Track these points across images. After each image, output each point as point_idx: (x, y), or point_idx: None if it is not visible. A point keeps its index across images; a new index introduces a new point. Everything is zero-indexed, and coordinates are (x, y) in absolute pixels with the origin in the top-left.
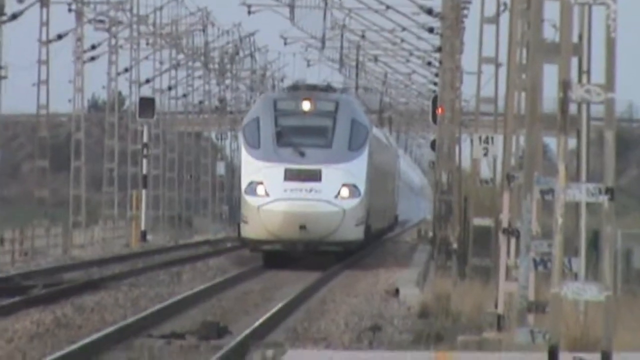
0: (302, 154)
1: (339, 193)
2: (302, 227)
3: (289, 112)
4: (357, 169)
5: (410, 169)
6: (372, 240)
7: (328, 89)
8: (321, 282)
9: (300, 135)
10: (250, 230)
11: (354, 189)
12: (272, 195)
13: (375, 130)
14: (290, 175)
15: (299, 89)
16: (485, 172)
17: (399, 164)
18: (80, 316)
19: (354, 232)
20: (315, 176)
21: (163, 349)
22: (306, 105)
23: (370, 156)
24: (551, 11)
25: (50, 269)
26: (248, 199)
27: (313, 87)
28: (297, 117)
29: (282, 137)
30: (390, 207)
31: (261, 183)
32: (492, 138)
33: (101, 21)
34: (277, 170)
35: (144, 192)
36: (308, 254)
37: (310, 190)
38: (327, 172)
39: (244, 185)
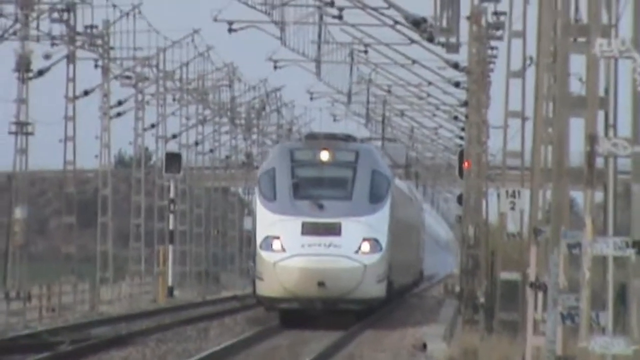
0: (320, 207)
1: (359, 248)
2: (321, 284)
3: (306, 162)
4: (378, 222)
5: (437, 223)
6: (395, 297)
7: (347, 138)
8: (349, 337)
9: (319, 187)
10: (266, 287)
11: (375, 243)
12: (288, 250)
13: (398, 182)
14: (308, 229)
15: (316, 139)
16: (512, 226)
17: (424, 216)
18: None
19: (376, 289)
20: (334, 230)
21: None
22: (324, 156)
23: (393, 208)
24: (577, 65)
25: (77, 324)
26: (263, 254)
27: (332, 137)
28: (315, 167)
29: (300, 189)
30: (415, 261)
31: (277, 237)
32: (519, 192)
33: (128, 77)
34: (294, 224)
35: (170, 247)
36: (327, 312)
37: (329, 245)
38: (346, 226)
39: (259, 239)
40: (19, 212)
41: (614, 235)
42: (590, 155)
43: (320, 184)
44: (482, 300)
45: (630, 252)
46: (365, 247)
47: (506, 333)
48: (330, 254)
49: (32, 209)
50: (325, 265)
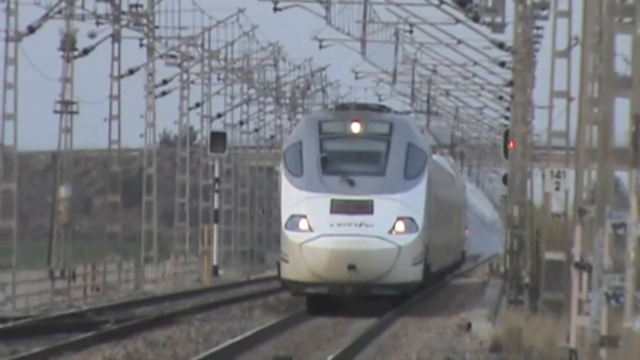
0: (351, 183)
1: (393, 227)
2: (351, 267)
3: (336, 135)
4: (414, 199)
5: (482, 203)
6: (433, 281)
7: (381, 108)
8: (394, 315)
9: (349, 162)
10: (292, 270)
11: (410, 222)
12: (316, 230)
13: (437, 157)
14: (337, 208)
15: (347, 109)
16: (556, 206)
17: (466, 194)
18: (152, 351)
19: (411, 273)
20: (366, 208)
21: None
22: (356, 127)
23: (430, 185)
24: (623, 45)
25: (122, 304)
26: (289, 234)
27: (364, 107)
28: (345, 140)
29: (328, 163)
30: (456, 242)
31: (304, 216)
32: (564, 172)
33: (172, 56)
34: (322, 202)
35: (215, 227)
36: (358, 298)
37: (361, 225)
38: (379, 204)
39: (284, 218)
40: (63, 191)
41: None
42: (636, 135)
43: (351, 159)
44: (526, 280)
45: None
46: (400, 226)
47: (551, 313)
48: (361, 234)
49: (77, 188)
50: (355, 246)
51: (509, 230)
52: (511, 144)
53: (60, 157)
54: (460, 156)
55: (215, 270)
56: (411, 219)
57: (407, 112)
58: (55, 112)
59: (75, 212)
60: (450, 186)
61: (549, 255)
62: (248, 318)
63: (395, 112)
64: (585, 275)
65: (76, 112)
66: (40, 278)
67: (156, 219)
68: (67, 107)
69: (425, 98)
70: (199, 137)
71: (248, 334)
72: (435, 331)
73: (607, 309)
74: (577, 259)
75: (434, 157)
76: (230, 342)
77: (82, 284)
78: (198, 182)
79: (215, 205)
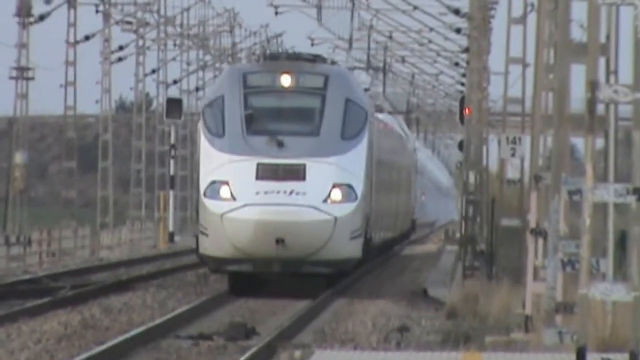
0: (280, 145)
1: (328, 196)
2: (280, 242)
3: (263, 89)
4: (352, 163)
5: (438, 170)
6: (375, 255)
7: (315, 59)
8: (350, 283)
9: (278, 120)
10: (211, 245)
11: (348, 190)
12: (240, 199)
13: (384, 116)
14: (264, 173)
15: (277, 59)
16: (512, 172)
17: (417, 157)
18: (107, 317)
19: (349, 248)
20: (297, 174)
21: (190, 350)
22: (286, 81)
23: (372, 147)
24: (579, 11)
25: (77, 270)
26: (208, 203)
27: (295, 57)
28: (273, 95)
29: (254, 122)
30: (404, 210)
31: (226, 183)
32: (520, 138)
33: (128, 22)
34: (246, 166)
35: (171, 193)
36: (287, 276)
37: (291, 193)
38: (313, 169)
39: (203, 185)
40: (19, 157)
41: (614, 182)
42: (591, 102)
43: (280, 116)
44: (482, 246)
45: (631, 199)
46: (336, 194)
47: (506, 280)
48: (291, 203)
49: (33, 154)
50: (285, 217)
51: (465, 197)
52: (467, 111)
53: (15, 123)
54: (416, 122)
55: (171, 236)
56: (349, 186)
57: (354, 69)
58: (11, 78)
59: (30, 178)
60: (398, 148)
61: (505, 222)
62: (204, 284)
63: (332, 63)
64: (540, 241)
65: (32, 78)
66: None
67: (112, 185)
68: (22, 73)
69: (381, 64)
70: (154, 103)
71: (203, 300)
72: (390, 298)
73: (562, 276)
74: (532, 225)
75: (380, 115)
76: (185, 308)
77: (38, 250)
78: (154, 148)
79: (171, 172)
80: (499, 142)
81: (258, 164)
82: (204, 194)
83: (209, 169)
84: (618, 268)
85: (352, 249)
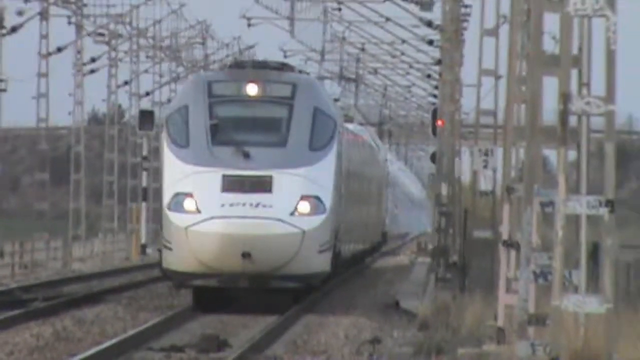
0: (246, 156)
1: (296, 208)
2: (246, 256)
3: (228, 98)
4: (321, 175)
5: (410, 181)
6: (344, 269)
7: (283, 67)
8: (321, 296)
9: (244, 130)
10: (175, 259)
11: (316, 202)
12: (204, 211)
13: (354, 126)
14: (229, 185)
15: (243, 67)
16: (484, 184)
17: (388, 168)
18: (80, 329)
19: (317, 262)
20: (263, 185)
21: None
22: (252, 89)
23: (341, 158)
24: (551, 23)
25: (50, 281)
26: (172, 216)
27: (262, 65)
28: (239, 105)
29: (219, 132)
30: (375, 222)
31: (190, 195)
32: (492, 150)
33: (101, 34)
34: (211, 178)
35: (144, 205)
36: (254, 291)
37: (257, 205)
38: (280, 180)
39: (166, 198)
40: None
41: (587, 194)
42: (564, 114)
43: (246, 126)
44: (455, 258)
45: (603, 211)
46: (304, 207)
47: (479, 291)
48: (258, 216)
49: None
50: (251, 230)
51: (438, 209)
52: (439, 122)
53: None
54: (388, 134)
55: (143, 248)
56: (317, 198)
57: (323, 78)
58: None
59: (3, 190)
60: (368, 159)
61: (477, 234)
62: (175, 296)
63: (300, 72)
64: (513, 253)
65: (4, 90)
66: None
67: (84, 197)
68: None
69: (353, 76)
70: (127, 115)
71: (176, 312)
72: (362, 309)
73: (535, 288)
74: (505, 237)
75: (350, 126)
76: (157, 320)
77: (10, 261)
78: (126, 160)
79: (144, 184)
80: (472, 154)
81: (223, 176)
82: (168, 207)
83: (173, 180)
84: (590, 280)
85: (321, 263)
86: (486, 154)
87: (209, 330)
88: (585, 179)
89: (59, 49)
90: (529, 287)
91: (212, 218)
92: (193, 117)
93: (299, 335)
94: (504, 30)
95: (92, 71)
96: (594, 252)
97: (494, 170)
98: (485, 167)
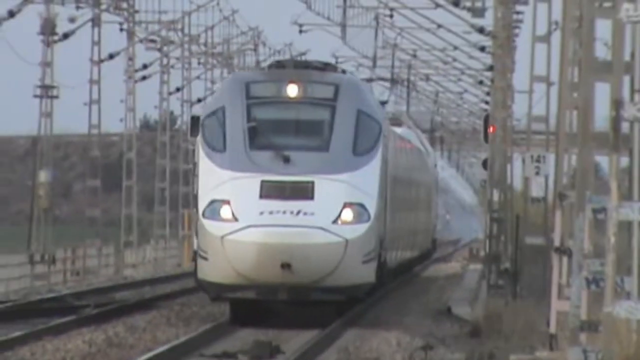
0: (286, 160)
1: (339, 216)
2: (286, 267)
3: (267, 99)
4: (365, 181)
5: (462, 188)
6: (391, 279)
7: (325, 67)
8: (373, 301)
9: (284, 133)
10: (211, 269)
11: (360, 210)
12: (242, 219)
13: (402, 130)
14: (268, 191)
15: (283, 67)
16: (536, 190)
17: (438, 174)
18: (132, 335)
19: (361, 273)
20: (304, 192)
21: None
22: (292, 90)
23: (386, 163)
24: (603, 30)
25: (102, 288)
26: (208, 225)
27: (304, 65)
28: (279, 107)
29: (258, 135)
30: (424, 229)
31: (227, 202)
32: (544, 157)
33: (153, 41)
34: (249, 184)
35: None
36: (295, 304)
37: (298, 213)
38: (322, 187)
39: (202, 205)
40: (43, 176)
41: (639, 200)
42: (616, 120)
43: (286, 129)
44: (506, 265)
45: None
46: (347, 215)
47: (531, 298)
48: (298, 224)
49: (57, 172)
50: (291, 240)
51: (489, 215)
52: (491, 129)
53: (40, 141)
54: (440, 141)
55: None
56: (361, 206)
57: (370, 80)
58: (35, 96)
59: (55, 197)
60: (417, 164)
61: (529, 240)
62: (227, 303)
63: (344, 72)
64: (565, 260)
65: (56, 97)
66: (20, 262)
67: (136, 203)
68: (47, 91)
69: (405, 83)
70: (179, 121)
71: (228, 318)
72: (414, 316)
73: (587, 294)
74: (557, 243)
75: (398, 129)
76: (209, 326)
77: (62, 268)
78: (178, 166)
79: (195, 190)
80: (523, 161)
81: (262, 182)
82: (203, 214)
83: (209, 187)
84: None
85: (365, 274)
86: (538, 161)
87: (262, 337)
88: (638, 185)
89: (111, 56)
90: (581, 294)
91: (249, 226)
92: (230, 119)
93: (351, 341)
94: (556, 36)
95: (144, 78)
96: None
97: (546, 177)
98: (537, 173)
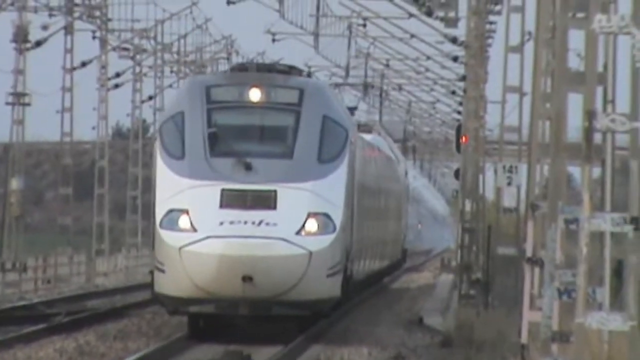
0: (247, 168)
1: (303, 227)
2: (247, 279)
3: (229, 104)
4: (331, 190)
5: (434, 198)
6: (356, 293)
7: (290, 70)
8: (345, 310)
9: (246, 140)
10: (168, 282)
11: (325, 220)
12: (201, 230)
13: (372, 137)
14: (229, 200)
15: (245, 70)
16: (508, 201)
17: (408, 182)
18: (103, 344)
19: (326, 286)
20: (267, 201)
21: None
22: (255, 95)
23: (353, 170)
24: (576, 40)
25: (73, 296)
26: (165, 235)
27: (267, 68)
28: (241, 112)
29: (218, 141)
30: (393, 239)
31: (185, 212)
32: (516, 167)
33: (125, 49)
34: (209, 193)
35: None
36: (256, 319)
37: (260, 223)
38: (285, 196)
39: (159, 214)
40: (15, 183)
41: (611, 211)
42: (589, 131)
43: (248, 135)
44: (478, 275)
45: (628, 228)
46: (312, 225)
47: (502, 308)
48: (260, 235)
49: (29, 180)
50: (253, 251)
51: (461, 225)
52: (464, 139)
53: (12, 148)
54: (412, 150)
55: None
56: (326, 216)
57: (340, 85)
58: (7, 103)
59: (26, 205)
60: (386, 172)
61: (501, 250)
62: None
63: (309, 75)
64: (537, 270)
65: (28, 104)
66: None
67: (108, 211)
68: (19, 99)
69: (378, 92)
70: (151, 129)
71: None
72: (386, 326)
73: (559, 305)
74: (529, 254)
75: (368, 136)
76: (180, 334)
77: (33, 276)
78: (150, 174)
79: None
80: (496, 171)
81: (222, 190)
82: (160, 225)
83: (166, 195)
84: (614, 297)
85: (330, 288)
86: (510, 171)
87: (233, 346)
88: (610, 196)
89: (84, 64)
90: (553, 304)
91: (209, 237)
92: (189, 125)
93: (323, 351)
94: (529, 47)
95: (117, 86)
96: (618, 270)
97: (518, 187)
98: (509, 183)
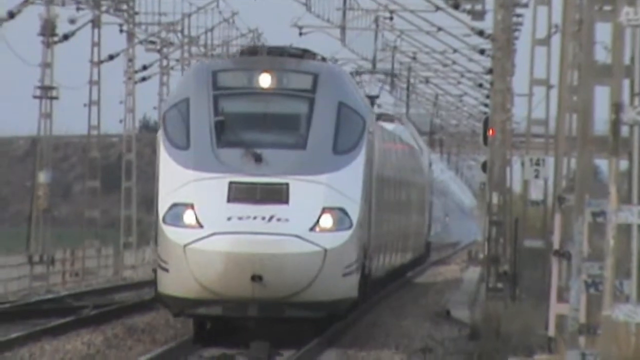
0: (257, 159)
1: (317, 223)
2: (257, 279)
3: (237, 90)
4: (347, 183)
5: (461, 191)
6: (374, 293)
7: (303, 54)
8: (372, 303)
9: (255, 129)
10: (173, 282)
11: (341, 215)
12: (207, 226)
13: (392, 126)
14: (237, 194)
15: (255, 54)
16: (535, 193)
17: (433, 173)
18: (131, 337)
19: (341, 287)
20: (278, 195)
21: None
22: (265, 80)
23: (371, 162)
24: (603, 33)
25: (101, 289)
26: (169, 231)
27: (279, 52)
28: (250, 99)
29: (226, 131)
30: (416, 233)
31: (190, 206)
32: (543, 160)
33: (152, 42)
34: (216, 186)
35: None
36: (266, 321)
37: (271, 219)
38: (298, 189)
39: (162, 209)
40: (42, 177)
41: (638, 204)
42: (615, 124)
43: (258, 124)
44: (505, 267)
45: None
46: (327, 221)
47: (529, 301)
48: (271, 231)
49: (56, 173)
50: (263, 249)
51: (488, 218)
52: (490, 132)
53: (39, 142)
54: (439, 143)
55: None
56: (342, 211)
57: (360, 73)
58: (35, 97)
59: (54, 198)
60: (409, 163)
61: (528, 243)
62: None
63: (323, 59)
64: (564, 263)
65: (56, 98)
66: (19, 263)
67: (135, 204)
68: (46, 92)
69: (404, 85)
70: None
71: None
72: (412, 319)
73: (586, 297)
74: (556, 246)
75: (390, 125)
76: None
77: (61, 269)
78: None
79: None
80: (523, 164)
81: (230, 183)
82: (164, 220)
83: (170, 188)
84: None
85: (346, 288)
86: (537, 164)
87: (260, 338)
88: (637, 188)
89: (111, 57)
90: (580, 297)
91: (215, 234)
92: (195, 113)
93: (350, 344)
94: (556, 39)
95: (144, 79)
96: None
97: (545, 180)
98: (536, 176)
